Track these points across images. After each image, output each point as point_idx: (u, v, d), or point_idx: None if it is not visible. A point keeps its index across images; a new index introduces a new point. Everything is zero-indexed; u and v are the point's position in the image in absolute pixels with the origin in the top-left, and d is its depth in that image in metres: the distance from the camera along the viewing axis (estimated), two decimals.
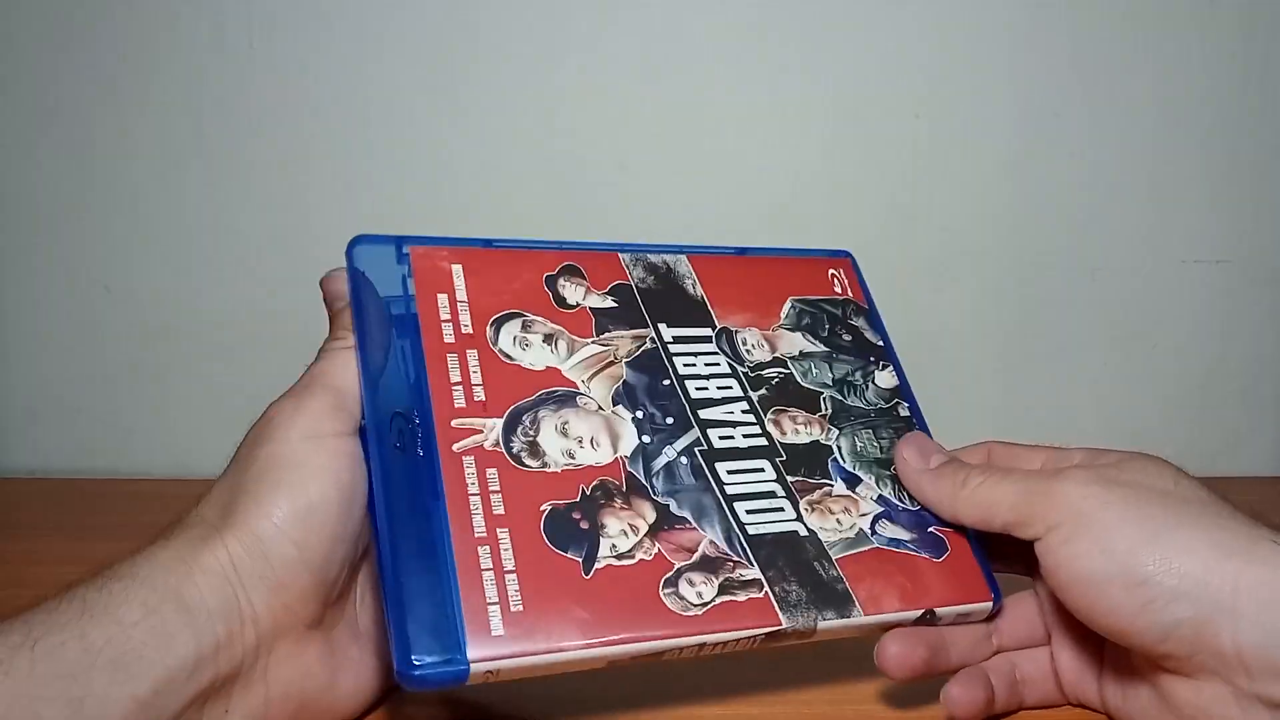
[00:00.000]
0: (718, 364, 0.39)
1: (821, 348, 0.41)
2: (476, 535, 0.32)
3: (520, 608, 0.32)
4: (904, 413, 0.42)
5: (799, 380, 0.40)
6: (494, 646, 0.31)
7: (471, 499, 0.33)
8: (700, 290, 0.41)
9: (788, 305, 0.42)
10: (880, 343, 0.43)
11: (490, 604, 0.31)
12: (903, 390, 0.42)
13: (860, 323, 0.43)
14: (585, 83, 0.59)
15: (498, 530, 0.33)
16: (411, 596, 0.31)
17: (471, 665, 0.30)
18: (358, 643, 0.36)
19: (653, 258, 0.41)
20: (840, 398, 0.41)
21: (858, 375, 0.42)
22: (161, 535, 0.33)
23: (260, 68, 0.59)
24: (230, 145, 0.60)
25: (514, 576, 0.32)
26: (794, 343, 0.41)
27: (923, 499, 0.38)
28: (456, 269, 0.38)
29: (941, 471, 0.37)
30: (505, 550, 0.33)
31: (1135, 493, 0.33)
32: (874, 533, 0.38)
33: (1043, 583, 0.37)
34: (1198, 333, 0.62)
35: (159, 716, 0.30)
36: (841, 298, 0.43)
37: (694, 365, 0.39)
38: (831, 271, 0.44)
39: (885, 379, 0.42)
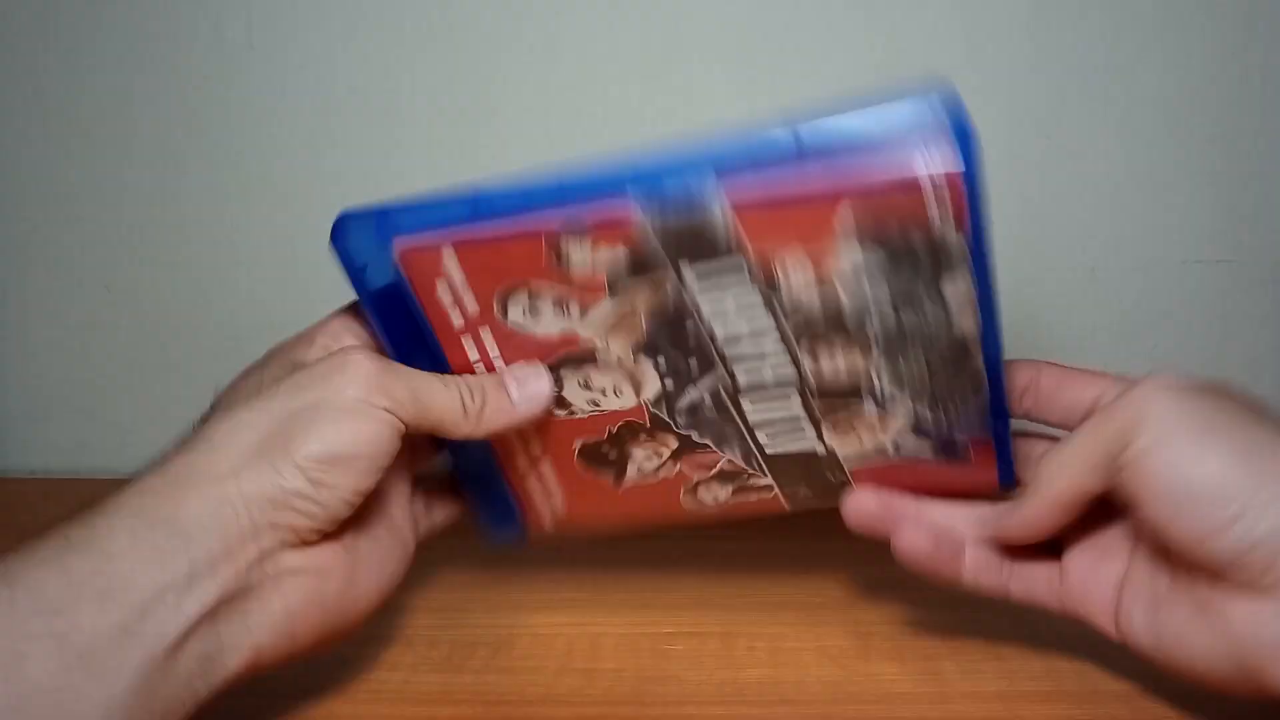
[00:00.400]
0: (748, 295, 0.35)
1: (879, 254, 0.34)
2: (521, 471, 0.41)
3: (564, 512, 0.42)
4: (967, 327, 0.34)
5: (843, 299, 0.35)
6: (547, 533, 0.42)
7: (515, 448, 0.40)
8: (729, 217, 0.34)
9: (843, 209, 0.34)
10: (965, 241, 0.35)
11: (540, 513, 0.42)
12: (982, 300, 0.34)
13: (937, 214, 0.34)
14: (586, 83, 0.59)
15: (540, 463, 0.40)
16: (486, 511, 0.42)
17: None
18: (375, 539, 0.37)
19: (669, 192, 0.34)
20: (893, 313, 0.35)
21: (919, 286, 0.34)
22: (158, 462, 0.33)
23: (260, 66, 0.59)
24: (230, 145, 0.60)
25: (559, 491, 0.41)
26: (846, 254, 0.34)
27: (1019, 535, 0.36)
28: (448, 253, 0.36)
29: (1007, 506, 0.36)
30: (549, 477, 0.41)
31: (1216, 407, 0.32)
32: (897, 449, 0.37)
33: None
34: (1198, 333, 0.62)
35: (158, 641, 0.29)
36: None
37: (721, 300, 0.35)
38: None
39: (955, 290, 0.34)
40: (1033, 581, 0.37)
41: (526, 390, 0.37)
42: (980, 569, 0.37)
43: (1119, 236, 0.61)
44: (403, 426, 0.34)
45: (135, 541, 0.30)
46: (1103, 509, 0.36)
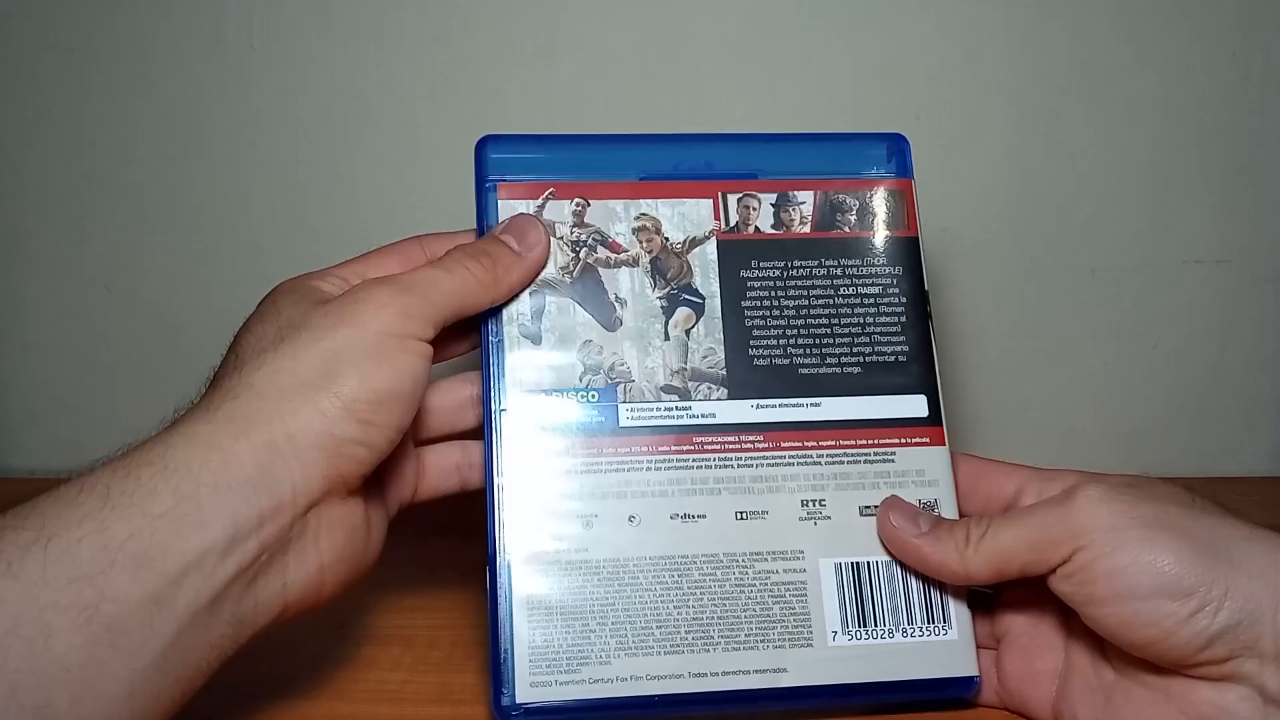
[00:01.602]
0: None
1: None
2: None
3: None
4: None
5: None
6: None
7: None
8: None
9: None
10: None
11: None
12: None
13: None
14: (586, 83, 0.59)
15: None
16: None
17: None
18: (382, 497, 0.37)
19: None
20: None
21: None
22: (201, 407, 0.33)
23: (260, 68, 0.59)
24: (230, 145, 0.60)
25: None
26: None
27: (924, 567, 0.36)
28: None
29: (938, 534, 0.35)
30: None
31: (1159, 506, 0.33)
32: None
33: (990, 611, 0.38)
34: (1198, 333, 0.62)
35: (189, 609, 0.29)
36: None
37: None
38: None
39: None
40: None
41: (526, 240, 0.37)
42: None
43: (1119, 236, 0.61)
44: (430, 350, 0.34)
45: (178, 501, 0.29)
46: (1033, 602, 0.37)
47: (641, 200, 0.40)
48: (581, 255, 0.39)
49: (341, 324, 0.33)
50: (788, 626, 0.36)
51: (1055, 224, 0.61)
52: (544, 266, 0.38)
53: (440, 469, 0.40)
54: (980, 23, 0.59)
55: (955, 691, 0.37)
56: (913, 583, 0.37)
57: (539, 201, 0.39)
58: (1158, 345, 0.63)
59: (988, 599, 0.38)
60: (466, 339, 0.40)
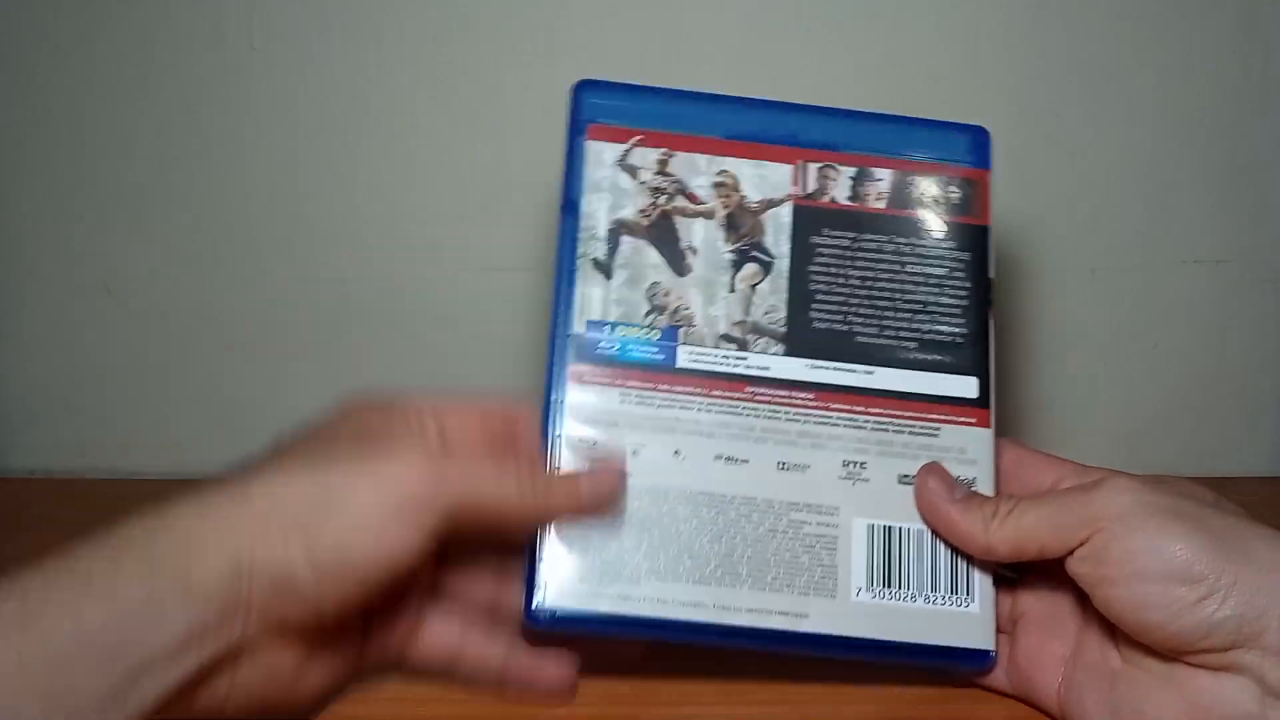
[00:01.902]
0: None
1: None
2: None
3: None
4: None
5: None
6: None
7: None
8: None
9: None
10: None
11: None
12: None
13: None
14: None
15: None
16: None
17: None
18: (337, 646, 0.35)
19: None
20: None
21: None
22: (211, 489, 0.32)
23: (260, 67, 0.59)
24: (230, 145, 0.60)
25: None
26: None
27: (951, 533, 0.37)
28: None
29: (969, 504, 0.36)
30: None
31: (1181, 499, 0.34)
32: None
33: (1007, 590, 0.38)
34: (1198, 333, 0.62)
35: (137, 707, 0.28)
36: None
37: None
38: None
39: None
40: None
41: (599, 491, 0.36)
42: None
43: (1119, 236, 0.61)
44: (428, 549, 0.32)
45: (149, 597, 0.29)
46: (1050, 589, 0.37)
47: (725, 157, 0.41)
48: (660, 202, 0.40)
49: (365, 475, 0.32)
50: (814, 576, 0.37)
51: (1055, 224, 0.61)
52: (601, 510, 0.37)
53: (438, 638, 0.38)
54: (980, 22, 0.59)
55: (969, 663, 0.38)
56: (941, 552, 0.38)
57: (627, 146, 0.40)
58: (1158, 345, 0.63)
59: (1010, 582, 0.39)
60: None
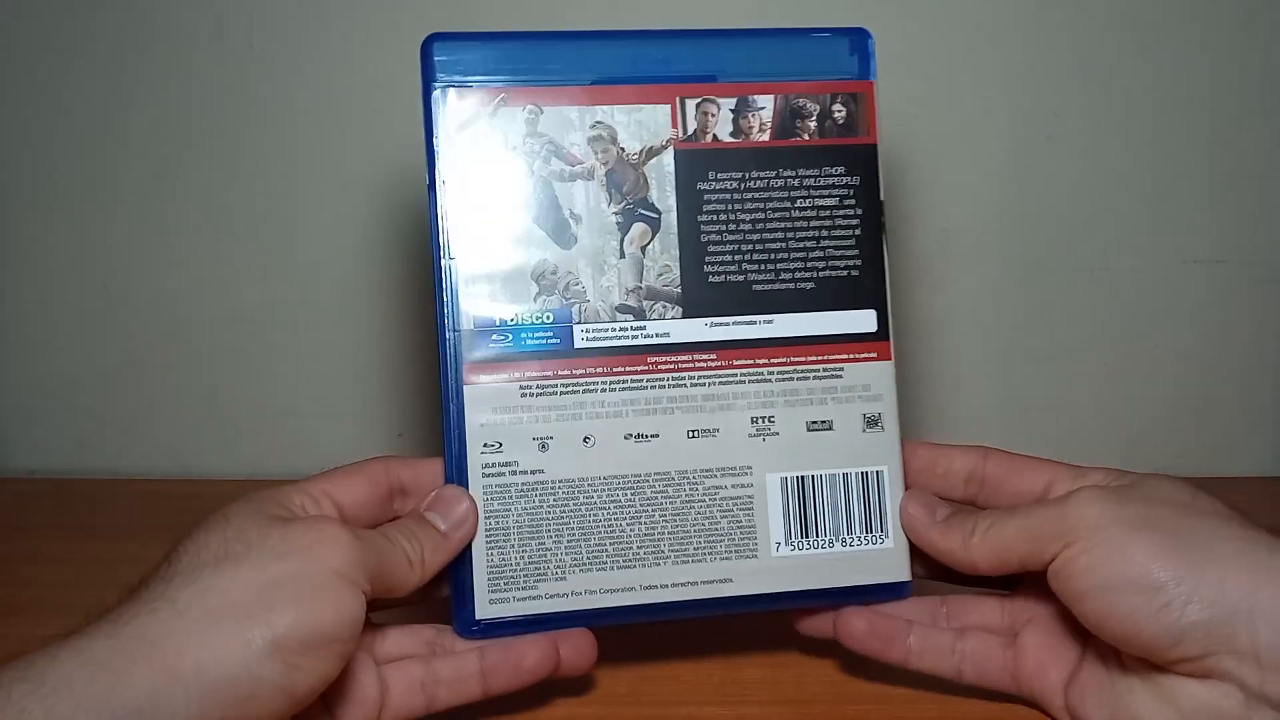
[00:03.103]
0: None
1: None
2: None
3: None
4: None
5: None
6: None
7: None
8: None
9: None
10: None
11: None
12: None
13: None
14: None
15: None
16: None
17: None
18: None
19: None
20: None
21: None
22: (110, 619, 0.29)
23: (260, 67, 0.59)
24: (230, 145, 0.60)
25: None
26: None
27: (935, 553, 0.37)
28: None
29: (950, 524, 0.37)
30: None
31: (1149, 506, 0.34)
32: None
33: (1009, 597, 0.38)
34: (1198, 333, 0.62)
35: None
36: None
37: None
38: None
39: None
40: (986, 663, 0.38)
41: (452, 517, 0.36)
42: (929, 653, 0.38)
43: (1119, 236, 0.61)
44: (366, 605, 0.31)
45: None
46: (1055, 596, 0.37)
47: (597, 107, 0.38)
48: (535, 169, 0.38)
49: (295, 552, 0.30)
50: (734, 539, 0.38)
51: (1055, 224, 0.61)
52: (471, 540, 0.36)
53: (406, 686, 0.36)
54: (980, 23, 0.59)
55: (889, 595, 0.38)
56: (854, 494, 0.38)
57: (490, 110, 0.38)
58: (1158, 345, 0.63)
59: (1005, 588, 0.39)
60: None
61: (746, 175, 0.39)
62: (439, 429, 0.59)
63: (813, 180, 0.39)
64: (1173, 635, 0.31)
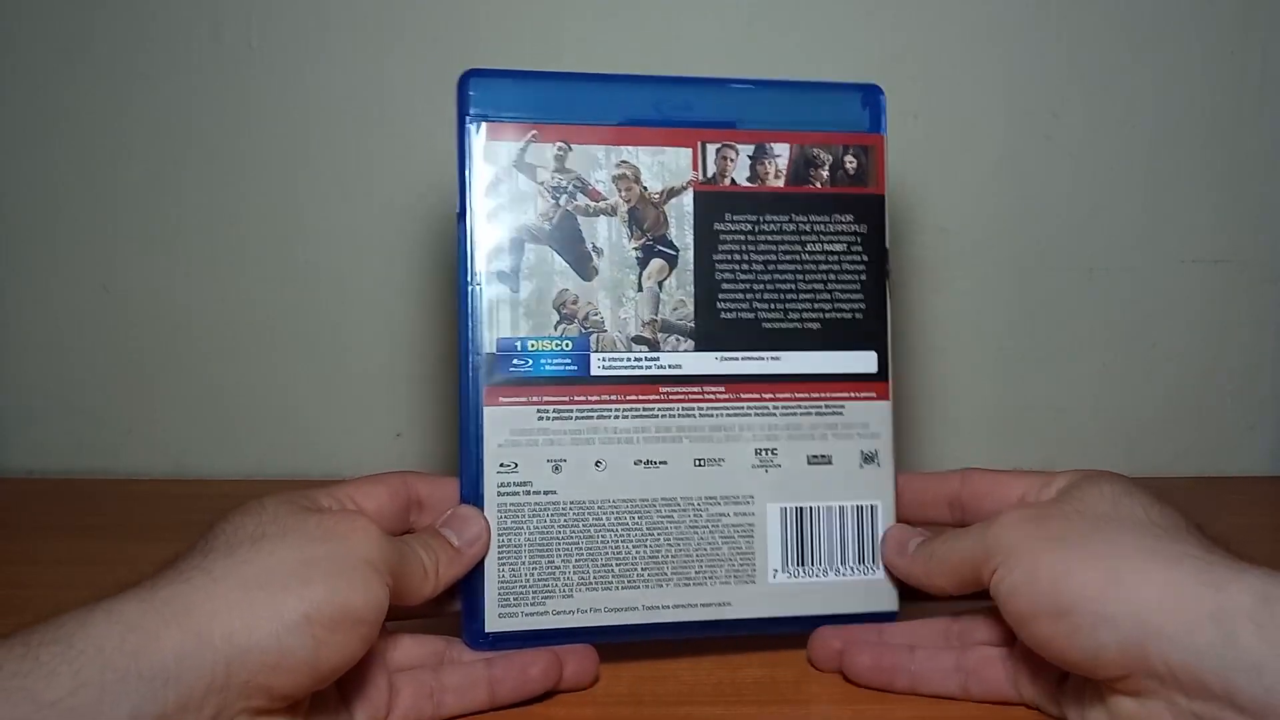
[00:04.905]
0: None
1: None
2: None
3: None
4: None
5: None
6: None
7: None
8: None
9: None
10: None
11: None
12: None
13: None
14: None
15: None
16: None
17: None
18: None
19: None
20: None
21: None
22: (145, 585, 0.29)
23: (260, 67, 0.59)
24: (229, 145, 0.60)
25: None
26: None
27: (912, 584, 0.39)
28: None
29: (916, 555, 0.38)
30: None
31: (1066, 522, 0.34)
32: None
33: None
34: (1197, 333, 0.62)
35: None
36: None
37: None
38: None
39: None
40: (989, 676, 0.37)
41: (466, 535, 0.37)
42: (935, 675, 0.38)
43: (1118, 236, 0.61)
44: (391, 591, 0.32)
45: (77, 687, 0.26)
46: None
47: (623, 147, 0.40)
48: (561, 202, 0.39)
49: (330, 537, 0.32)
50: (734, 565, 0.39)
51: (1054, 224, 0.61)
52: (484, 558, 0.37)
53: (414, 691, 0.36)
54: (979, 22, 0.59)
55: (877, 623, 0.40)
56: (849, 526, 0.40)
57: (521, 144, 0.39)
58: (1157, 345, 0.63)
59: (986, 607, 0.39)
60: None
61: (761, 218, 0.41)
62: (438, 429, 0.59)
63: (823, 226, 0.41)
64: (1088, 658, 0.31)
